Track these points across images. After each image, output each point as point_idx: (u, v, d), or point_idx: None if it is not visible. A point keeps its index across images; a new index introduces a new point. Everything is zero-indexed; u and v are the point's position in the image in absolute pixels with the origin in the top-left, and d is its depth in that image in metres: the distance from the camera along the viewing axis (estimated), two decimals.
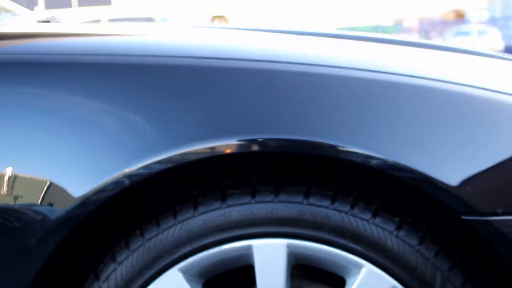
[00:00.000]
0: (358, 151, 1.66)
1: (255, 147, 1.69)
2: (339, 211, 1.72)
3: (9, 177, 1.74)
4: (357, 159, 1.66)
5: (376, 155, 1.65)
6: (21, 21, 2.89)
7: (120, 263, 1.77)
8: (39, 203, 1.74)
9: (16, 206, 1.75)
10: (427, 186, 1.64)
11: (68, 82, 1.77)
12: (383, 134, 1.67)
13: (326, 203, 1.73)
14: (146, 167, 1.68)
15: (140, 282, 1.76)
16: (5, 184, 1.74)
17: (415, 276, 1.70)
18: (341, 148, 1.66)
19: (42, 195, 1.73)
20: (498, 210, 1.64)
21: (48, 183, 1.73)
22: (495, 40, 36.51)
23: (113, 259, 1.79)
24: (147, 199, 1.84)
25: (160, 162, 1.67)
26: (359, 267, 1.72)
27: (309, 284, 1.95)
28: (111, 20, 16.24)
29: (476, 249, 1.77)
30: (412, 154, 1.65)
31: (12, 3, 3.34)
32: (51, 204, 1.73)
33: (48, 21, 3.13)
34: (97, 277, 1.80)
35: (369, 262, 1.71)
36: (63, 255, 1.79)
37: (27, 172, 1.75)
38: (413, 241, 1.72)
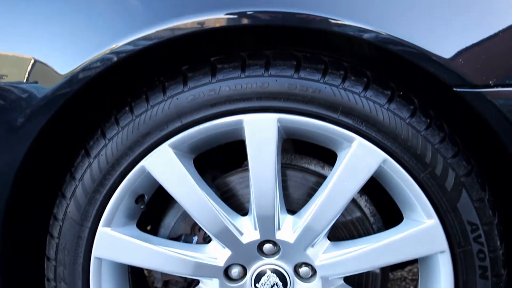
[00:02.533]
0: (351, 23, 1.65)
1: (244, 21, 1.68)
2: (330, 84, 1.74)
3: None
4: (350, 32, 1.65)
5: (369, 28, 1.64)
6: None
7: (111, 139, 1.80)
8: (25, 81, 1.74)
9: (1, 84, 1.75)
10: (420, 59, 1.65)
11: None
12: (377, 7, 1.66)
13: (317, 76, 1.74)
14: (133, 43, 1.67)
15: (131, 158, 1.79)
16: None
17: (406, 149, 1.74)
18: (333, 21, 1.65)
19: (27, 73, 1.73)
20: (490, 82, 1.66)
21: (32, 61, 1.73)
22: None
23: (103, 135, 1.81)
24: (135, 75, 1.84)
25: (148, 38, 1.67)
26: (350, 140, 1.75)
27: (300, 159, 1.99)
28: None
29: (467, 124, 1.80)
30: (405, 27, 1.64)
31: None
32: (37, 82, 1.73)
33: None
34: (87, 154, 1.82)
35: (360, 136, 1.74)
36: (52, 134, 1.80)
37: (10, 50, 1.75)
38: (404, 114, 1.74)
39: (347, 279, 1.90)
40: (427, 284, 1.88)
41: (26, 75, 1.74)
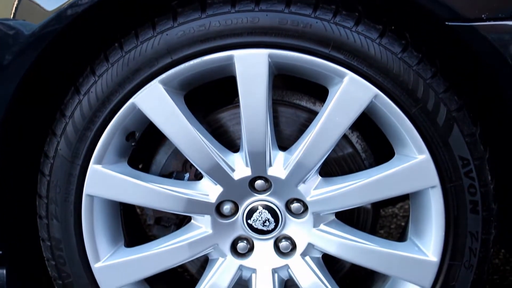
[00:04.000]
0: None
1: None
2: (321, 19, 1.73)
3: None
4: None
5: None
6: None
7: (100, 76, 1.80)
8: (11, 18, 1.73)
9: None
10: None
11: None
12: None
13: (308, 11, 1.73)
14: None
15: (121, 95, 1.79)
16: None
17: (398, 84, 1.74)
18: None
19: (14, 9, 1.72)
20: (483, 16, 1.66)
21: None
22: None
23: (93, 72, 1.81)
24: (124, 11, 1.83)
25: None
26: (341, 76, 1.75)
27: (291, 95, 2.00)
28: None
29: (460, 59, 1.80)
30: None
31: None
32: (24, 19, 1.73)
33: None
34: (77, 91, 1.82)
35: (351, 71, 1.75)
36: (41, 71, 1.80)
37: None
38: (396, 48, 1.74)
39: (338, 215, 1.92)
40: (418, 219, 1.91)
41: (13, 12, 1.73)
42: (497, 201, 1.84)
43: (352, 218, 2.01)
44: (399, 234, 3.00)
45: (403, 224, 3.21)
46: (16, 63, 1.75)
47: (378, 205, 2.08)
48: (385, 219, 3.25)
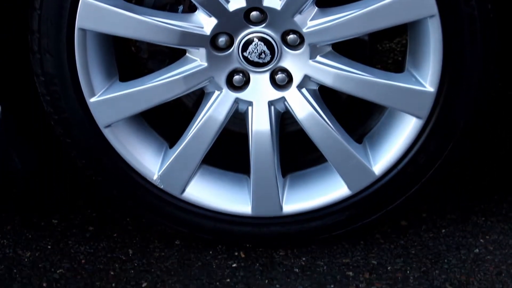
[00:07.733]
0: None
1: None
2: None
3: None
4: None
5: None
6: None
7: None
8: None
9: None
10: None
11: None
12: None
13: None
14: None
15: None
16: None
17: None
18: None
19: None
20: None
21: None
22: None
23: None
24: None
25: None
26: None
27: None
28: None
29: None
30: None
31: None
32: None
33: None
34: None
35: None
36: None
37: None
38: None
39: (335, 47, 1.92)
40: (416, 51, 1.92)
41: None
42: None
43: (349, 50, 2.00)
44: (396, 69, 3.01)
45: (400, 59, 3.20)
46: None
47: (375, 38, 2.08)
48: (382, 54, 3.23)
